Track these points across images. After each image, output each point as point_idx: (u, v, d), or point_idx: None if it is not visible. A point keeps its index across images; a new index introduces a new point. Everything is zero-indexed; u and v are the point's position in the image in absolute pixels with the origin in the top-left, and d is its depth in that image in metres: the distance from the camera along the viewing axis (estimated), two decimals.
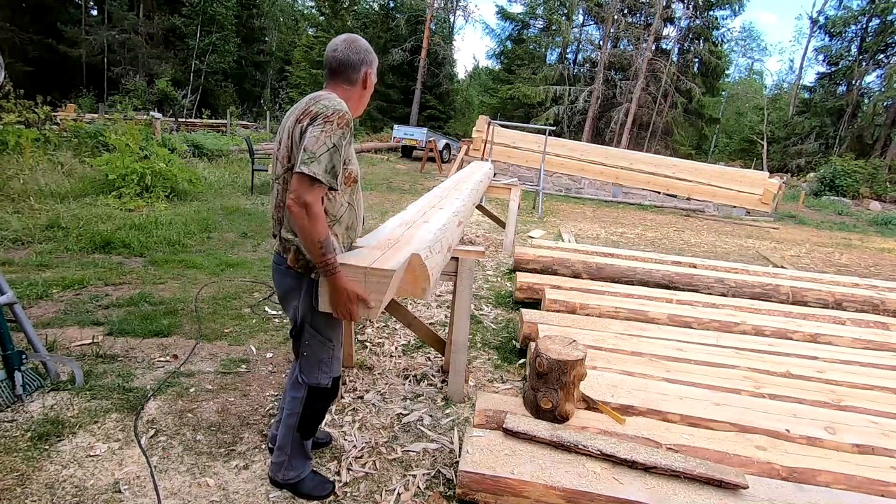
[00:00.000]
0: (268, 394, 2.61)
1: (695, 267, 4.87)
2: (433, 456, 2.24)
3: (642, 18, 26.57)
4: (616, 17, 25.70)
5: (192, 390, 2.57)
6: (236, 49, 27.10)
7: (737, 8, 26.18)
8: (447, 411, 2.60)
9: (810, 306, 4.33)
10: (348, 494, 1.97)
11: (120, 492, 1.85)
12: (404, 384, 2.85)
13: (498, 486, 1.86)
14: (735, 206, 13.24)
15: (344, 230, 1.75)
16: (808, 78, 44.80)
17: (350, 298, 1.59)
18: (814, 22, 29.02)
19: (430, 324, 3.74)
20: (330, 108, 1.57)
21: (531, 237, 7.35)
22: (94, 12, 26.30)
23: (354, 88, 1.77)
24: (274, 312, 3.66)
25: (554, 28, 29.19)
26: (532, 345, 2.68)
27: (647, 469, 1.90)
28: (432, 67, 28.62)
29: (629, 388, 2.45)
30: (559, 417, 2.15)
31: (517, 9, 31.32)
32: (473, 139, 14.20)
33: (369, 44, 1.80)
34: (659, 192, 13.72)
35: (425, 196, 3.53)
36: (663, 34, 26.23)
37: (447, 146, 18.73)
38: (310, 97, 1.67)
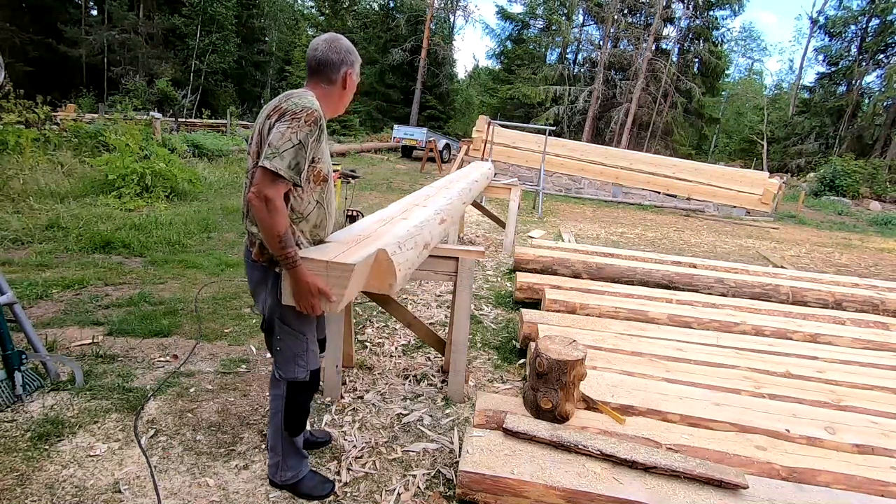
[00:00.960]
0: (268, 394, 2.60)
1: (695, 267, 4.87)
2: (433, 456, 2.24)
3: (642, 18, 26.58)
4: (616, 17, 25.70)
5: (192, 390, 2.57)
6: (236, 49, 27.08)
7: (737, 8, 26.19)
8: (447, 411, 2.60)
9: (810, 306, 4.33)
10: (348, 494, 1.97)
11: (120, 492, 1.85)
12: (404, 384, 2.85)
13: (498, 486, 1.86)
14: (735, 206, 13.24)
15: (311, 227, 1.75)
16: (808, 78, 44.85)
17: (311, 292, 1.60)
18: (814, 22, 29.04)
19: (430, 324, 3.74)
20: (299, 106, 1.58)
21: (531, 237, 7.36)
22: (94, 12, 26.29)
23: (333, 88, 1.77)
24: None
25: (554, 28, 29.20)
26: (532, 345, 2.68)
27: (647, 469, 1.90)
28: (432, 67, 28.62)
29: (629, 388, 2.45)
30: (559, 417, 2.15)
31: (517, 9, 31.38)
32: (473, 139, 14.21)
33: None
34: (659, 192, 13.72)
35: (412, 194, 3.52)
36: (663, 34, 26.23)
37: (447, 146, 18.74)
38: (284, 94, 1.68)
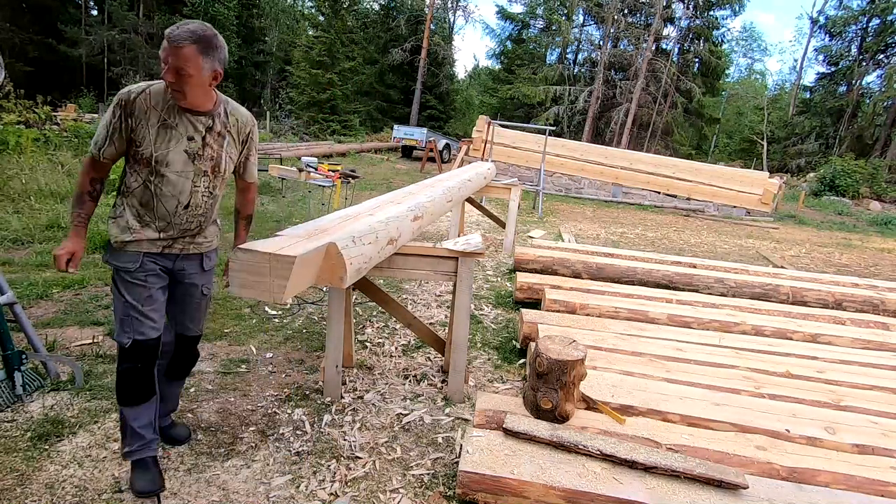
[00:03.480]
0: (268, 394, 2.61)
1: (695, 267, 4.87)
2: (433, 456, 2.24)
3: (642, 18, 26.59)
4: (616, 17, 25.70)
5: (192, 390, 2.57)
6: (236, 49, 27.10)
7: (737, 8, 26.21)
8: (447, 411, 2.60)
9: (810, 306, 4.32)
10: (348, 495, 1.97)
11: (120, 492, 1.85)
12: (404, 384, 2.85)
13: (498, 486, 1.86)
14: (735, 206, 13.24)
15: (137, 204, 1.79)
16: (809, 78, 44.86)
17: (61, 249, 1.77)
18: (814, 22, 29.05)
19: (430, 324, 3.74)
20: (119, 92, 1.76)
21: (531, 237, 7.36)
22: (94, 12, 26.33)
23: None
24: (274, 312, 3.66)
25: (554, 28, 29.23)
26: (532, 345, 2.68)
27: (647, 469, 1.90)
28: (432, 67, 28.63)
29: (629, 388, 2.45)
30: (559, 417, 2.15)
31: (517, 9, 31.43)
32: (473, 139, 14.20)
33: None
34: (659, 192, 13.71)
35: (393, 192, 3.49)
36: (663, 34, 26.24)
37: (447, 146, 18.75)
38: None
